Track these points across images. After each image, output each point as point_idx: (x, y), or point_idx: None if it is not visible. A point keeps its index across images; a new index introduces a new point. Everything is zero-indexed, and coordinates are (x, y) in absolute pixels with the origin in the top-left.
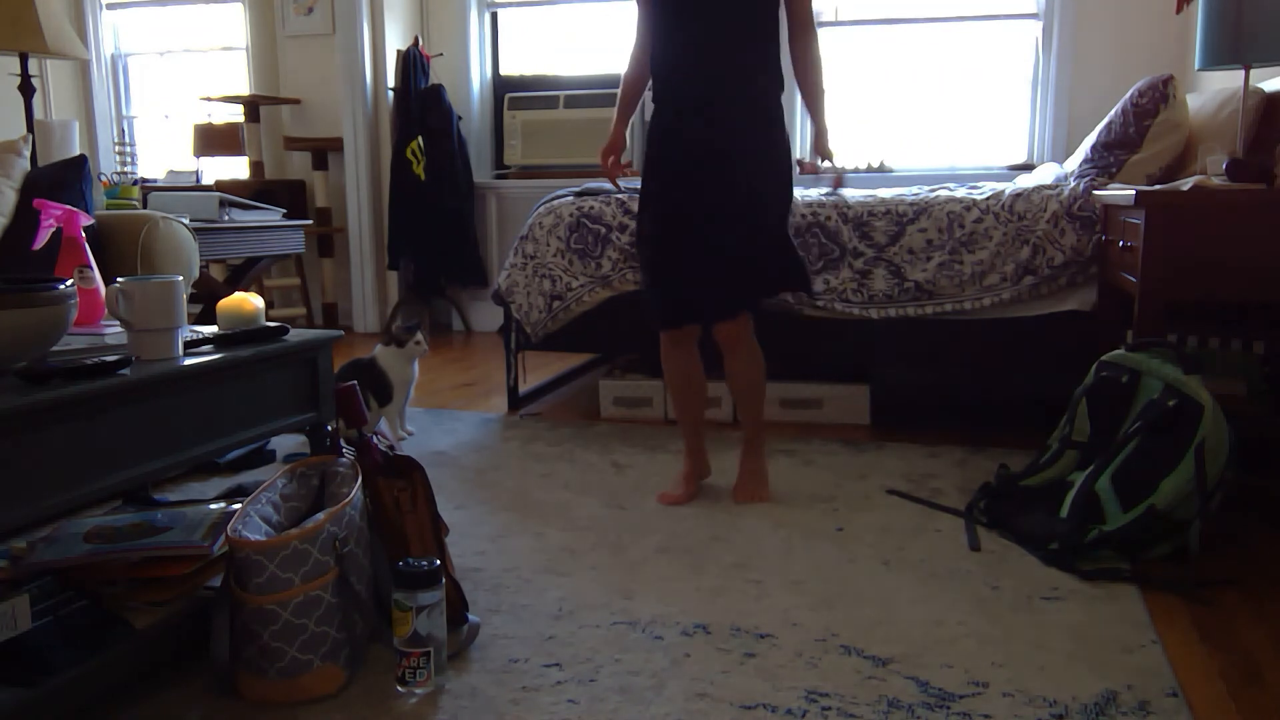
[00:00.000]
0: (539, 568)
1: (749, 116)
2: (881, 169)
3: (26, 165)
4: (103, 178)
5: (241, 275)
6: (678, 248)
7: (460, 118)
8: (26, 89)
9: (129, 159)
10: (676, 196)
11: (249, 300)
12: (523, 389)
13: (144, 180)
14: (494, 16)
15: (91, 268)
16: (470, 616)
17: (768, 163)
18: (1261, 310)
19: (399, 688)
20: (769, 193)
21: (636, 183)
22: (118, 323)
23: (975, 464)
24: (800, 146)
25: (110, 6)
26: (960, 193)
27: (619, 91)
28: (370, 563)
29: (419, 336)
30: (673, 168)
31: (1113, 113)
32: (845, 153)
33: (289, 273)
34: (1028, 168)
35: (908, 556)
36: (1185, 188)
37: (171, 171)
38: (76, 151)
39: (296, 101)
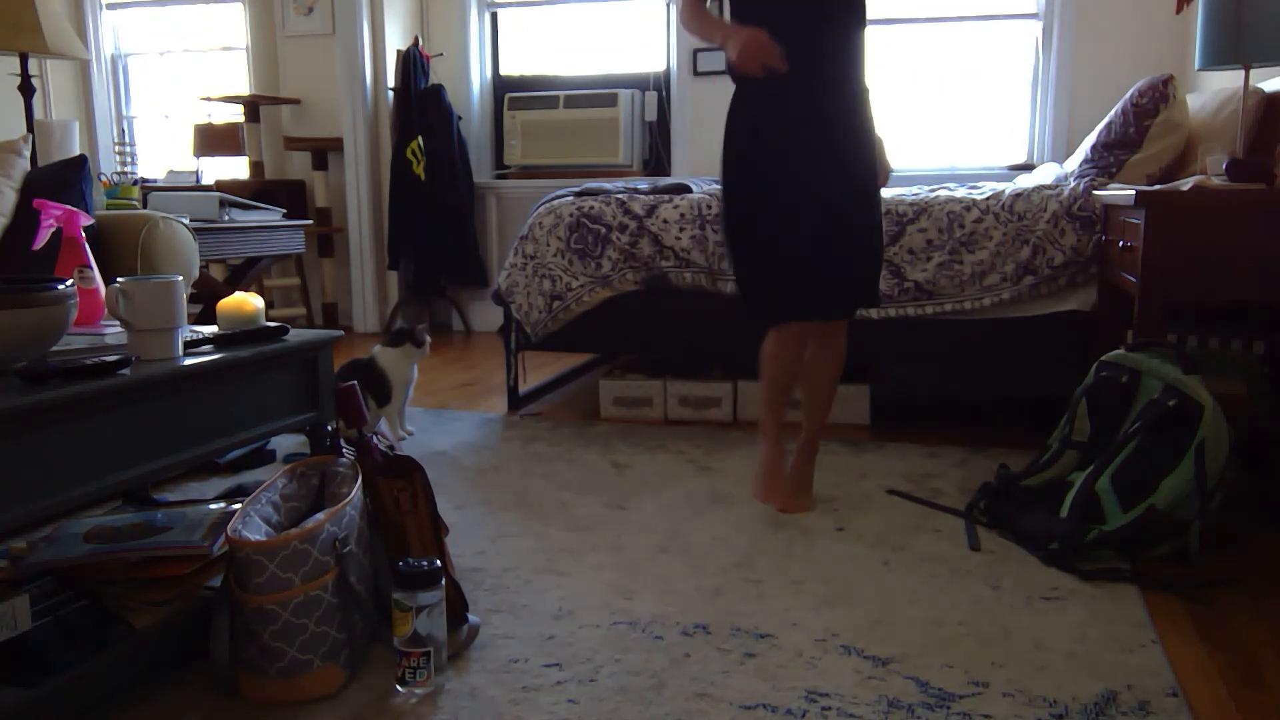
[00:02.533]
0: (539, 568)
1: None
2: None
3: (26, 165)
4: (103, 178)
5: (241, 275)
6: None
7: (460, 118)
8: (26, 89)
9: (129, 159)
10: None
11: (249, 300)
12: (523, 389)
13: (144, 180)
14: (494, 16)
15: (91, 268)
16: (470, 616)
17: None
18: (1261, 310)
19: (399, 688)
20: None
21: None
22: (118, 323)
23: (975, 464)
24: None
25: (110, 6)
26: (960, 193)
27: None
28: (370, 563)
29: (427, 336)
30: None
31: (1113, 113)
32: None
33: (289, 273)
34: (1028, 168)
35: (908, 556)
36: (1185, 188)
37: (171, 171)
38: (76, 151)
39: (296, 101)
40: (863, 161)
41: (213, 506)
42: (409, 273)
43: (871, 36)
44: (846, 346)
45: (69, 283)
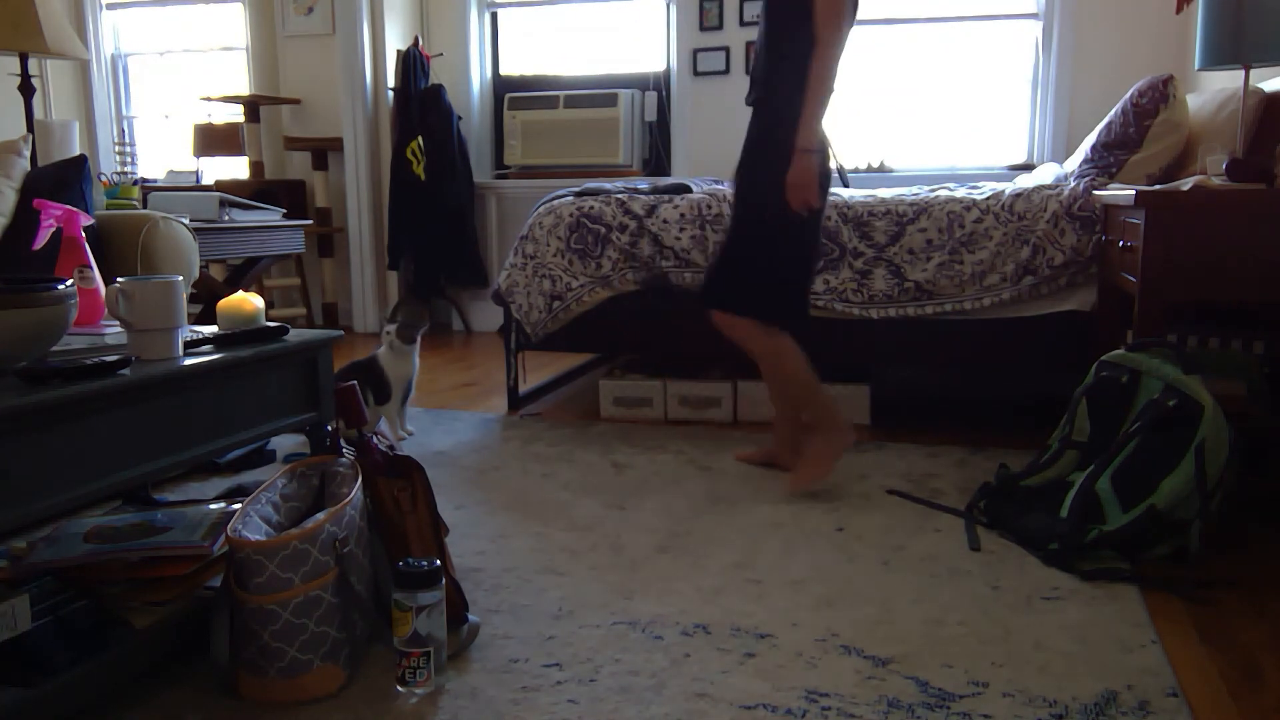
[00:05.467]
0: (539, 568)
1: (754, 126)
2: (881, 169)
3: (26, 165)
4: (103, 178)
5: (241, 275)
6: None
7: (460, 118)
8: (26, 89)
9: (129, 159)
10: None
11: (249, 300)
12: (523, 389)
13: (144, 180)
14: (494, 16)
15: (91, 268)
16: (470, 616)
17: (745, 168)
18: (1261, 310)
19: (399, 688)
20: (741, 203)
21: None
22: (118, 323)
23: (975, 464)
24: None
25: (110, 6)
26: (960, 193)
27: None
28: (370, 563)
29: (388, 327)
30: None
31: (1113, 113)
32: (845, 152)
33: (289, 273)
34: (1028, 168)
35: (908, 556)
36: (1185, 188)
37: (171, 171)
38: (76, 151)
39: (296, 101)
40: (742, 177)
41: (213, 506)
42: (409, 273)
43: (862, 38)
44: (755, 351)
45: (69, 283)
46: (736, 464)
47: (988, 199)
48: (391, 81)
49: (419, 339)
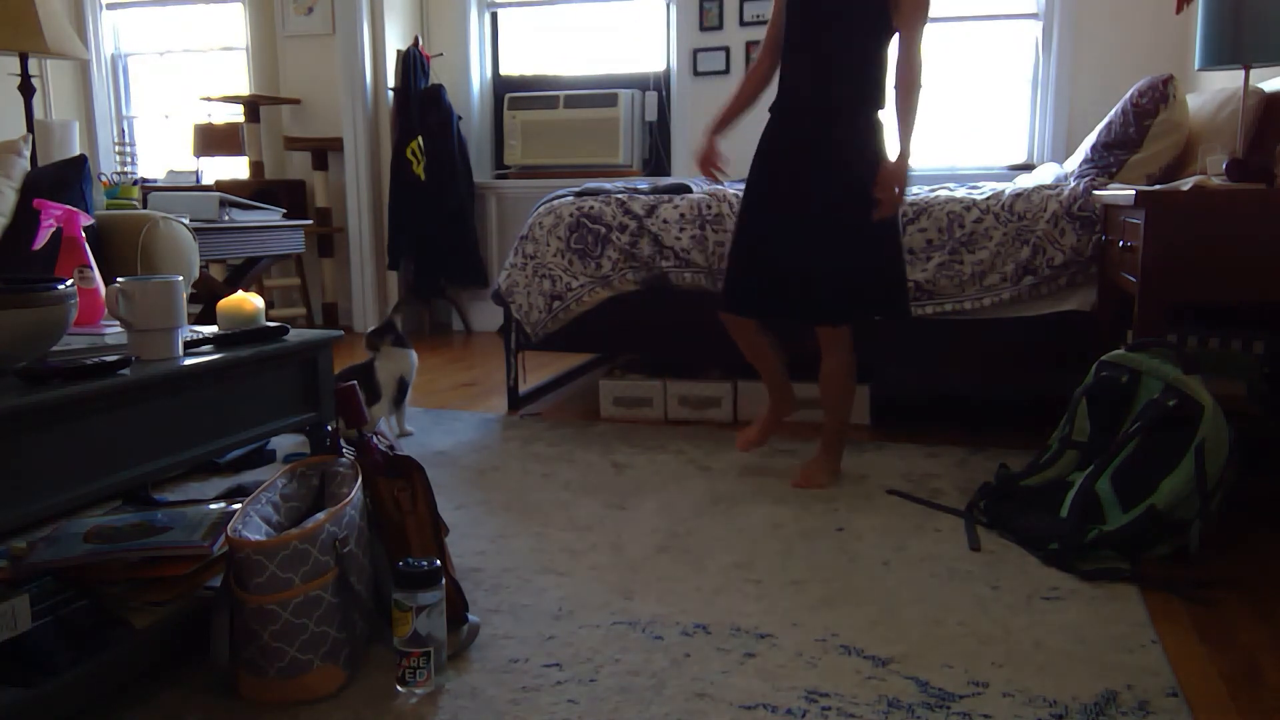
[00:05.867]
0: (539, 568)
1: (828, 134)
2: None
3: (26, 165)
4: (103, 178)
5: (241, 275)
6: (759, 241)
7: (460, 118)
8: (26, 89)
9: (129, 159)
10: (764, 191)
11: (249, 300)
12: (523, 389)
13: (144, 180)
14: (494, 16)
15: (91, 268)
16: (470, 616)
17: (830, 180)
18: (1261, 310)
19: (399, 688)
20: (826, 211)
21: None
22: (118, 323)
23: (975, 464)
24: None
25: (110, 6)
26: (960, 193)
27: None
28: (370, 563)
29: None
30: (766, 163)
31: (1113, 113)
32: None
33: (289, 273)
34: (1028, 168)
35: (908, 556)
36: (1185, 188)
37: (171, 171)
38: (76, 151)
39: (296, 101)
40: (828, 190)
41: (213, 506)
42: (409, 273)
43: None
44: (841, 358)
45: (69, 283)
46: (736, 464)
47: (988, 199)
48: (391, 81)
49: (398, 343)
